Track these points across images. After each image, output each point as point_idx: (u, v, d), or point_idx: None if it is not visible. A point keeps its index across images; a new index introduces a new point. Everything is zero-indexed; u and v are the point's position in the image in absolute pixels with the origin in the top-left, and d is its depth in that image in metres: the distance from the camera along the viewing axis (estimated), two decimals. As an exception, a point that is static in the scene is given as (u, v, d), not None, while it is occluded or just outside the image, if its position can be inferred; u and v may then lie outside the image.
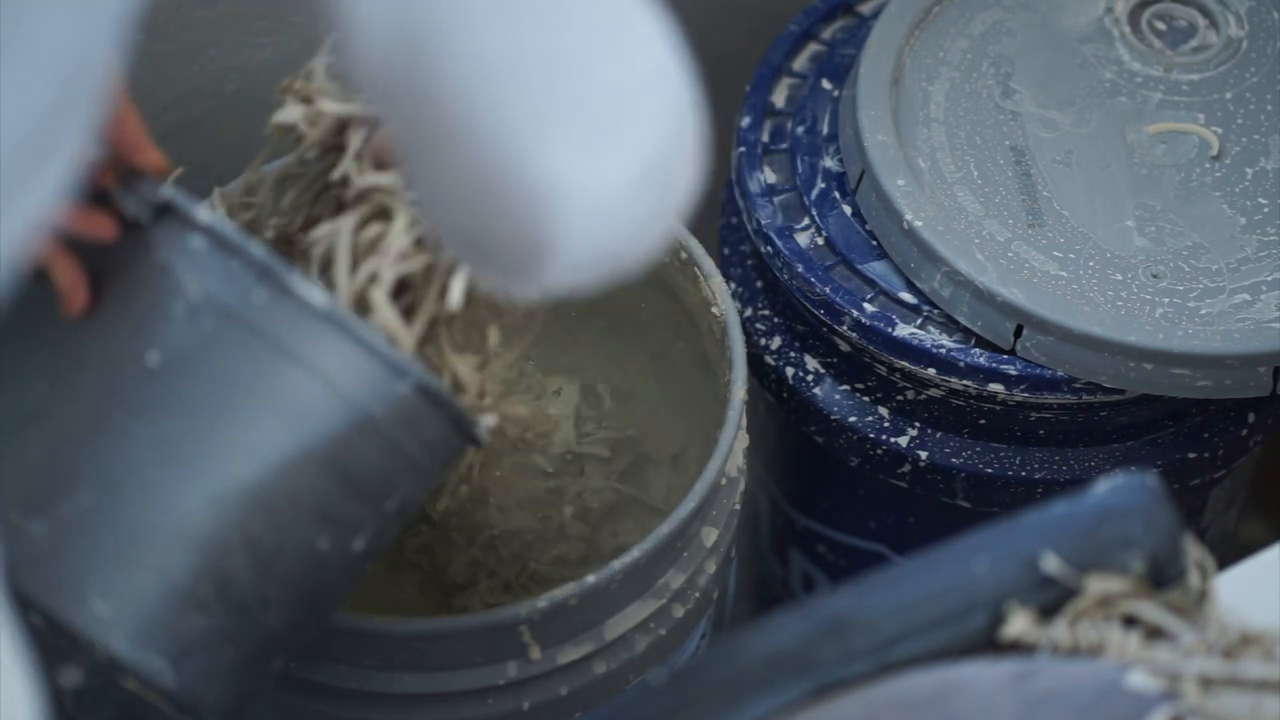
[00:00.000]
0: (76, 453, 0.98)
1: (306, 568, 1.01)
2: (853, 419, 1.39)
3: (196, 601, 0.98)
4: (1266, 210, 1.35)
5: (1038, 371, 1.31)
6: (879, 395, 1.38)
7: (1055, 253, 1.33)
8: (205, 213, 0.97)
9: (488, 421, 1.07)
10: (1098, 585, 0.83)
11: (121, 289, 0.98)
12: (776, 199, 1.39)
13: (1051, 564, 0.84)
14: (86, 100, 0.75)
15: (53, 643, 1.01)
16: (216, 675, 1.00)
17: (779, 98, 1.45)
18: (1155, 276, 1.32)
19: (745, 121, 1.43)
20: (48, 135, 0.74)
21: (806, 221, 1.38)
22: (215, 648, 1.00)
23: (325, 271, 1.05)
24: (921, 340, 1.32)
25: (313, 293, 0.97)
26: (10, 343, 0.99)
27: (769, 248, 1.37)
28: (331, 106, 1.09)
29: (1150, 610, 0.83)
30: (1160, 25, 1.44)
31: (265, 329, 0.97)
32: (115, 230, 0.98)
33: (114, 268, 0.98)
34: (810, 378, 1.40)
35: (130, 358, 0.97)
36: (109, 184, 0.98)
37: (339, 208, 1.09)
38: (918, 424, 1.38)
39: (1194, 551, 0.86)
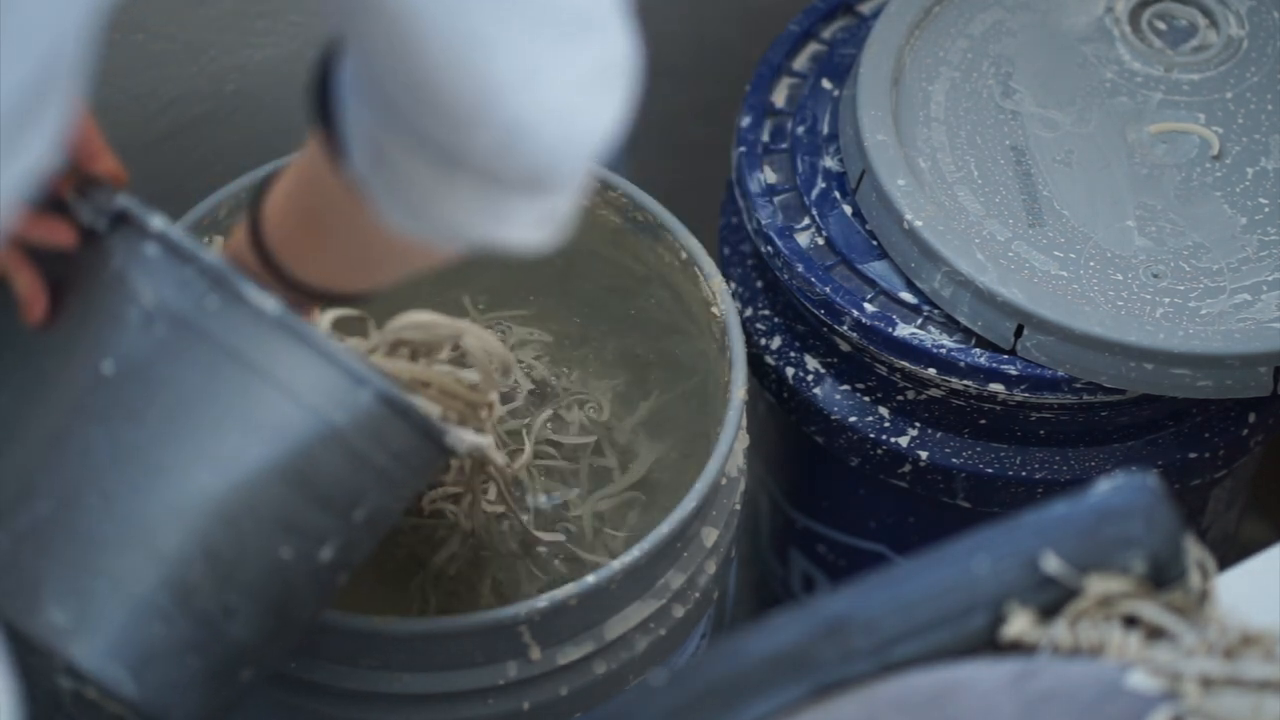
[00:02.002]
0: (35, 462, 0.97)
1: (270, 578, 1.00)
2: (853, 419, 1.38)
3: (157, 611, 0.98)
4: (1267, 210, 1.35)
5: (1038, 371, 1.31)
6: (879, 395, 1.38)
7: (1055, 252, 1.33)
8: (159, 220, 0.97)
9: (472, 438, 1.07)
10: (1098, 585, 0.83)
11: (79, 297, 0.98)
12: (776, 199, 1.39)
13: (1052, 564, 0.84)
14: (63, 86, 0.75)
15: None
16: (182, 685, 0.99)
17: (779, 98, 1.45)
18: (1156, 276, 1.32)
19: (745, 121, 1.43)
20: (27, 116, 0.74)
21: (806, 221, 1.38)
22: (178, 657, 0.99)
23: None
24: (922, 340, 1.32)
25: (265, 300, 0.96)
26: None
27: (769, 248, 1.37)
28: None
29: (1151, 610, 0.83)
30: (1160, 25, 1.44)
31: (219, 336, 0.96)
32: (73, 238, 0.98)
33: (73, 276, 0.98)
34: (810, 378, 1.40)
35: (87, 366, 0.97)
36: (66, 193, 0.98)
37: None
38: (918, 424, 1.38)
39: (1195, 551, 0.86)
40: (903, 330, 1.32)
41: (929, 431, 1.38)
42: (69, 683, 1.02)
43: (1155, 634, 0.83)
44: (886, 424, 1.38)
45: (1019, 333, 1.30)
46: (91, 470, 0.97)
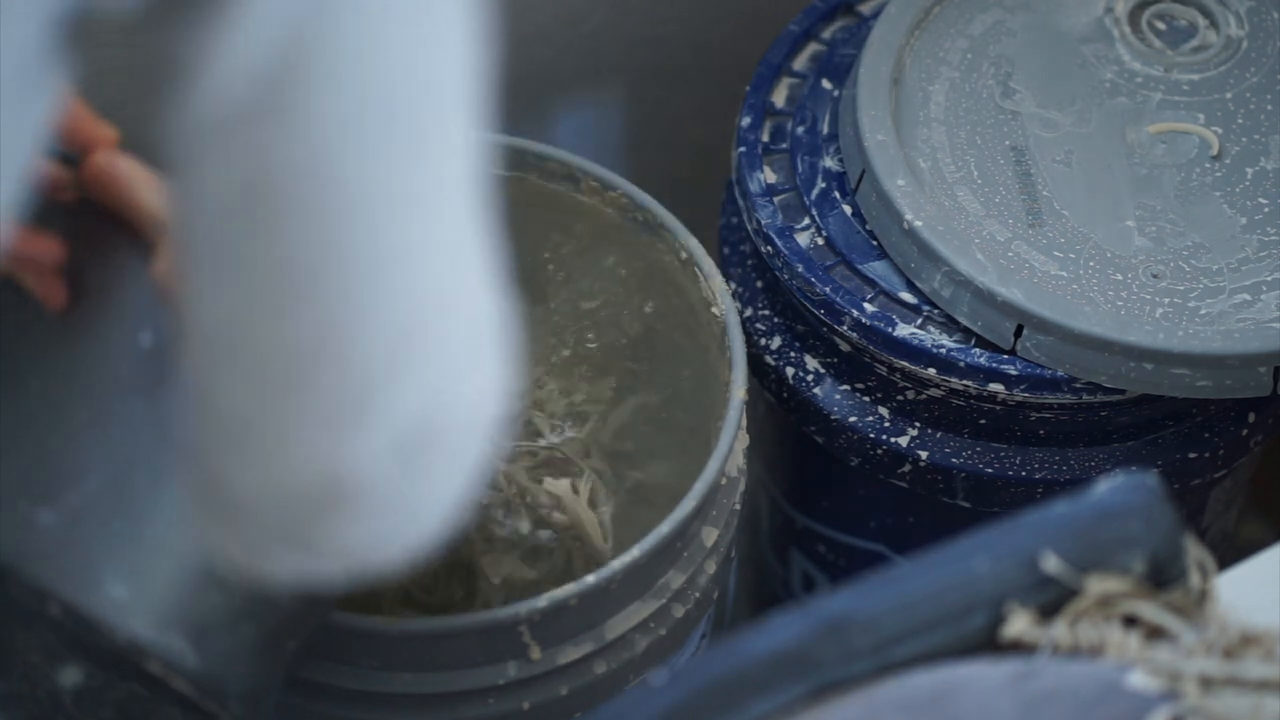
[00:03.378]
0: (79, 440, 0.97)
1: None
2: (853, 419, 1.38)
3: (212, 580, 0.98)
4: (1267, 210, 1.35)
5: (1038, 371, 1.31)
6: (879, 395, 1.38)
7: (1055, 253, 1.33)
8: None
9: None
10: (1098, 585, 0.83)
11: (106, 272, 0.97)
12: (776, 199, 1.39)
13: (1052, 564, 0.84)
14: (60, 55, 0.70)
15: (53, 642, 1.01)
16: (237, 655, 1.00)
17: (779, 98, 1.45)
18: (1155, 276, 1.32)
19: (745, 121, 1.43)
20: (32, 78, 0.69)
21: (806, 221, 1.38)
22: (234, 626, 0.99)
23: None
24: (921, 340, 1.32)
25: None
26: None
27: (769, 248, 1.37)
28: None
29: (1150, 610, 0.83)
30: (1160, 25, 1.44)
31: None
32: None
33: (92, 253, 0.97)
34: (810, 378, 1.40)
35: (124, 340, 0.96)
36: (68, 196, 0.97)
37: None
38: (918, 424, 1.38)
39: (1194, 551, 0.86)
40: (903, 330, 1.32)
41: (929, 431, 1.38)
42: (70, 681, 1.02)
43: (1155, 634, 0.83)
44: (886, 424, 1.38)
45: (1019, 333, 1.30)
46: (137, 443, 0.96)
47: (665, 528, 1.22)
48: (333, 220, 0.67)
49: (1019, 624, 0.83)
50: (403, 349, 0.69)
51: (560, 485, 1.35)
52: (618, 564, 1.20)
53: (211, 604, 0.98)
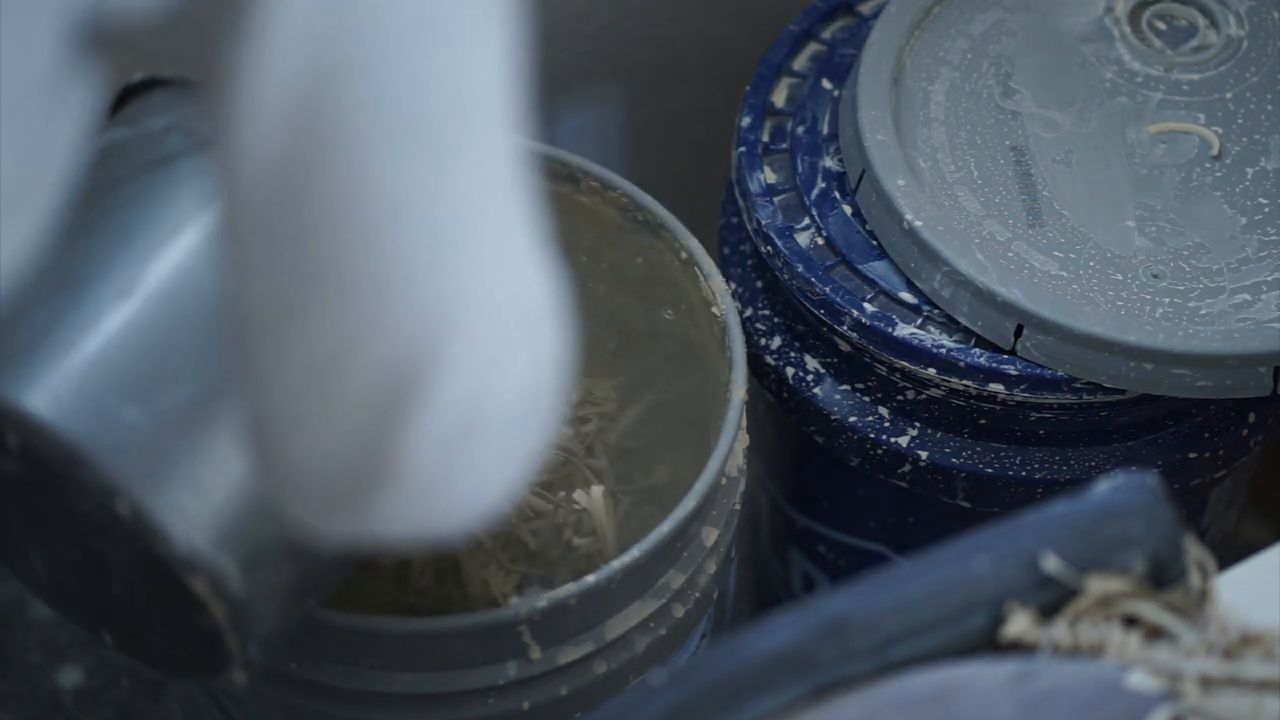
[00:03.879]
0: (180, 350, 0.98)
1: None
2: (853, 419, 1.39)
3: (273, 512, 0.98)
4: (1267, 210, 1.35)
5: (1038, 371, 1.31)
6: (879, 395, 1.38)
7: (1055, 253, 1.33)
8: None
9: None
10: (1098, 585, 0.83)
11: None
12: (776, 199, 1.39)
13: (1052, 564, 0.84)
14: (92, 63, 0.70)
15: (53, 642, 1.01)
16: (275, 593, 1.01)
17: (779, 98, 1.45)
18: (1155, 276, 1.32)
19: (745, 121, 1.43)
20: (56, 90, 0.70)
21: (806, 221, 1.38)
22: (280, 563, 1.00)
23: None
24: (921, 340, 1.32)
25: None
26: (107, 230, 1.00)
27: (769, 248, 1.37)
28: None
29: (1150, 610, 0.83)
30: (1160, 25, 1.44)
31: None
32: None
33: None
34: (810, 378, 1.40)
35: None
36: None
37: None
38: (918, 424, 1.38)
39: (1194, 551, 0.86)
40: (903, 330, 1.33)
41: (929, 431, 1.38)
42: (70, 681, 1.02)
43: (1155, 634, 0.83)
44: (886, 424, 1.38)
45: (1019, 333, 1.30)
46: (231, 368, 0.98)
47: (665, 528, 1.22)
48: (371, 228, 0.69)
49: (1019, 624, 0.83)
50: (446, 341, 0.71)
51: (594, 497, 1.35)
52: (618, 564, 1.20)
53: (266, 537, 0.99)
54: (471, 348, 0.72)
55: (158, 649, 1.06)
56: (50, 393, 0.96)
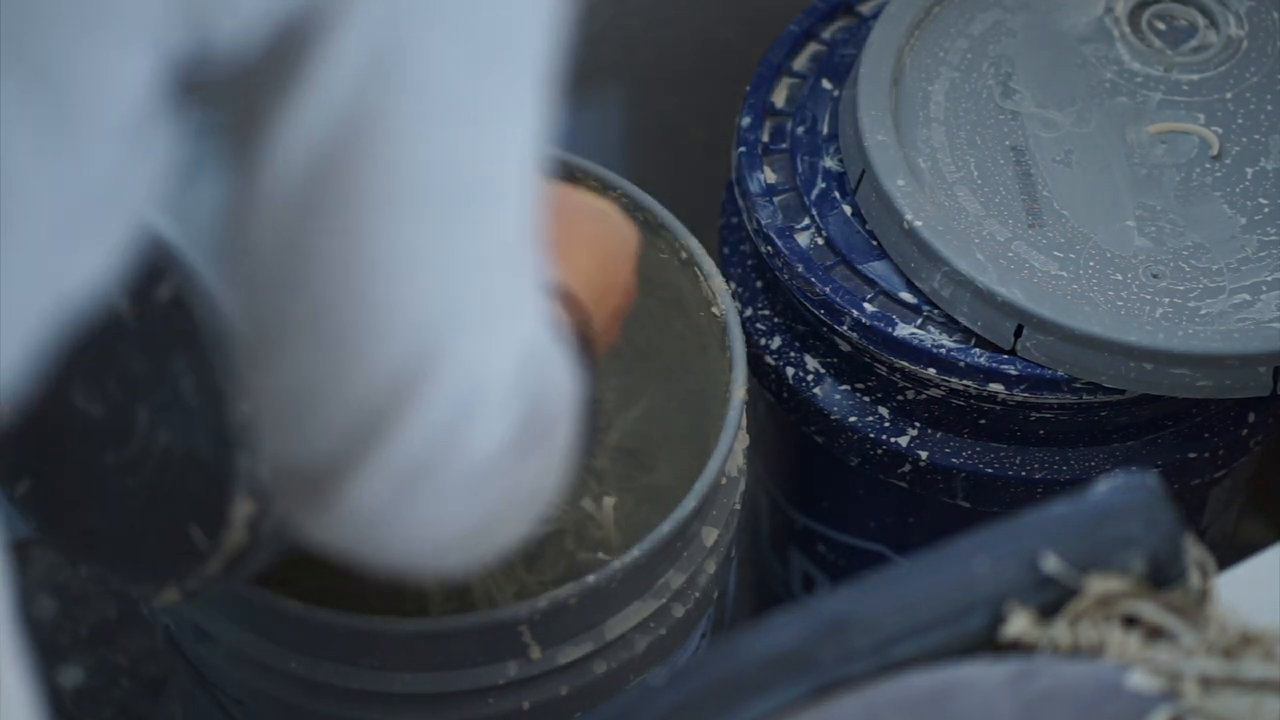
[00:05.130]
0: None
1: None
2: (853, 419, 1.39)
3: None
4: (1267, 210, 1.35)
5: (1038, 371, 1.31)
6: (879, 395, 1.38)
7: (1055, 253, 1.33)
8: None
9: None
10: (1098, 585, 0.83)
11: None
12: (776, 199, 1.39)
13: (1051, 564, 0.84)
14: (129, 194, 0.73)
15: (53, 642, 1.01)
16: (280, 528, 1.00)
17: (779, 98, 1.45)
18: (1155, 276, 1.32)
19: (745, 121, 1.43)
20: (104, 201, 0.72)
21: (806, 221, 1.38)
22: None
23: None
24: (921, 340, 1.32)
25: None
26: None
27: (769, 248, 1.37)
28: None
29: (1150, 610, 0.83)
30: (1160, 25, 1.44)
31: None
32: None
33: None
34: (810, 378, 1.40)
35: None
36: None
37: None
38: (918, 424, 1.38)
39: (1194, 551, 0.86)
40: (903, 330, 1.33)
41: (929, 431, 1.38)
42: (70, 681, 1.02)
43: (1155, 634, 0.83)
44: (886, 424, 1.38)
45: (1019, 333, 1.30)
46: None
47: (665, 528, 1.22)
48: (363, 286, 0.75)
49: (1019, 624, 0.83)
50: (414, 395, 0.77)
51: (605, 509, 1.35)
52: (618, 564, 1.20)
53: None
54: (436, 408, 0.76)
55: (129, 553, 1.06)
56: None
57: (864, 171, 1.36)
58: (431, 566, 0.84)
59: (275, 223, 0.74)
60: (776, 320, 1.42)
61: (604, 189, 1.37)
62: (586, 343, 0.98)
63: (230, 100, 0.73)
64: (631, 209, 1.37)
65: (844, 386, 1.39)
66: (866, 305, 1.34)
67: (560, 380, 0.83)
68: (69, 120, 0.68)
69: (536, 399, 0.80)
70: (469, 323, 0.76)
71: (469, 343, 0.77)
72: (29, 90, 0.66)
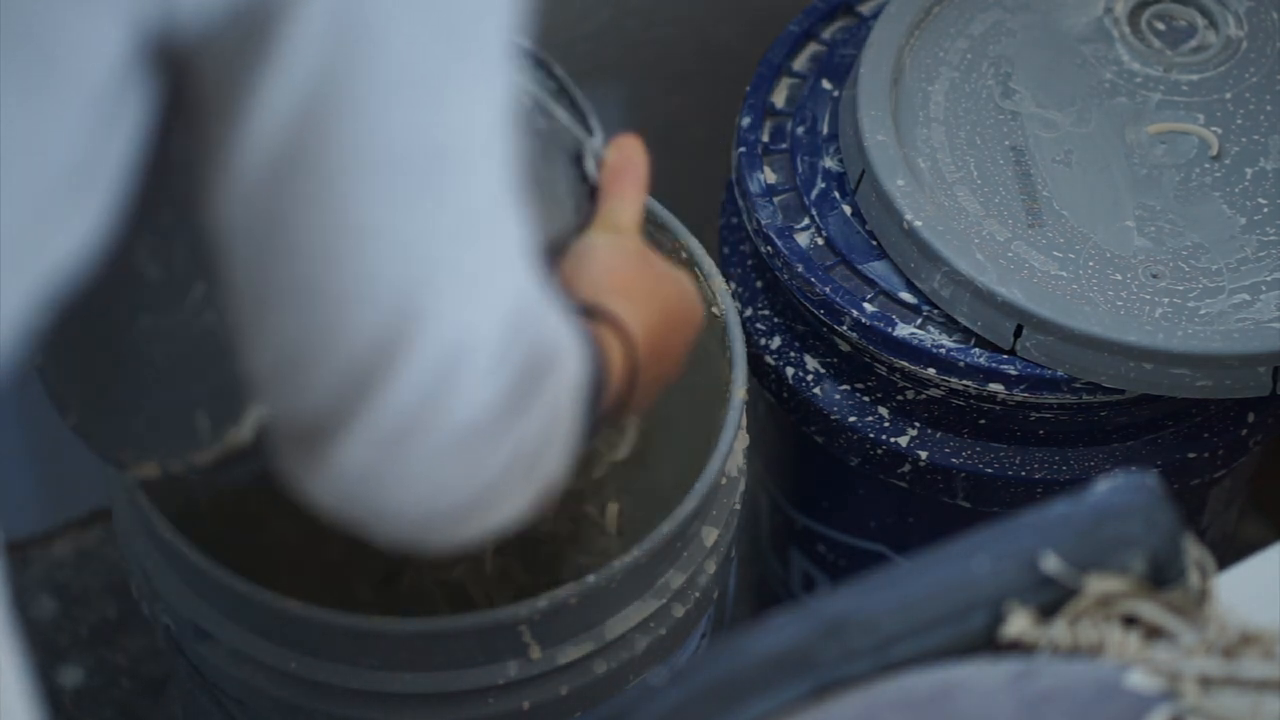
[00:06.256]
0: None
1: None
2: (853, 419, 1.39)
3: None
4: (1266, 210, 1.35)
5: (1038, 371, 1.31)
6: (879, 395, 1.38)
7: (1055, 253, 1.33)
8: None
9: None
10: (1098, 585, 0.84)
11: None
12: (776, 199, 1.39)
13: (1051, 564, 0.84)
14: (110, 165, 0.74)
15: (53, 642, 1.01)
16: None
17: (779, 98, 1.45)
18: (1155, 276, 1.32)
19: (745, 121, 1.43)
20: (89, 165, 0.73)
21: (806, 221, 1.38)
22: None
23: None
24: (921, 340, 1.32)
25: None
26: None
27: (769, 248, 1.37)
28: None
29: (1150, 610, 0.83)
30: (1160, 25, 1.44)
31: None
32: None
33: None
34: (810, 378, 1.40)
35: None
36: None
37: None
38: (918, 424, 1.38)
39: (1194, 551, 0.86)
40: (902, 330, 1.33)
41: (929, 431, 1.38)
42: (70, 681, 1.02)
43: (1155, 633, 0.83)
44: (886, 424, 1.38)
45: (1018, 333, 1.30)
46: None
47: (665, 528, 1.22)
48: (339, 253, 0.77)
49: (1019, 624, 0.83)
50: (396, 358, 0.78)
51: (609, 515, 1.35)
52: (618, 564, 1.20)
53: None
54: (417, 370, 0.78)
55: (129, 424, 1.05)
56: None
57: (864, 171, 1.36)
58: (435, 535, 0.85)
59: (251, 194, 0.75)
60: (776, 320, 1.42)
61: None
62: (626, 394, 0.99)
63: (200, 74, 0.74)
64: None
65: (844, 386, 1.39)
66: (866, 305, 1.34)
67: (555, 341, 0.84)
68: (49, 85, 0.69)
69: (529, 360, 0.82)
70: (446, 287, 0.78)
71: (448, 307, 0.78)
72: (12, 56, 0.68)
